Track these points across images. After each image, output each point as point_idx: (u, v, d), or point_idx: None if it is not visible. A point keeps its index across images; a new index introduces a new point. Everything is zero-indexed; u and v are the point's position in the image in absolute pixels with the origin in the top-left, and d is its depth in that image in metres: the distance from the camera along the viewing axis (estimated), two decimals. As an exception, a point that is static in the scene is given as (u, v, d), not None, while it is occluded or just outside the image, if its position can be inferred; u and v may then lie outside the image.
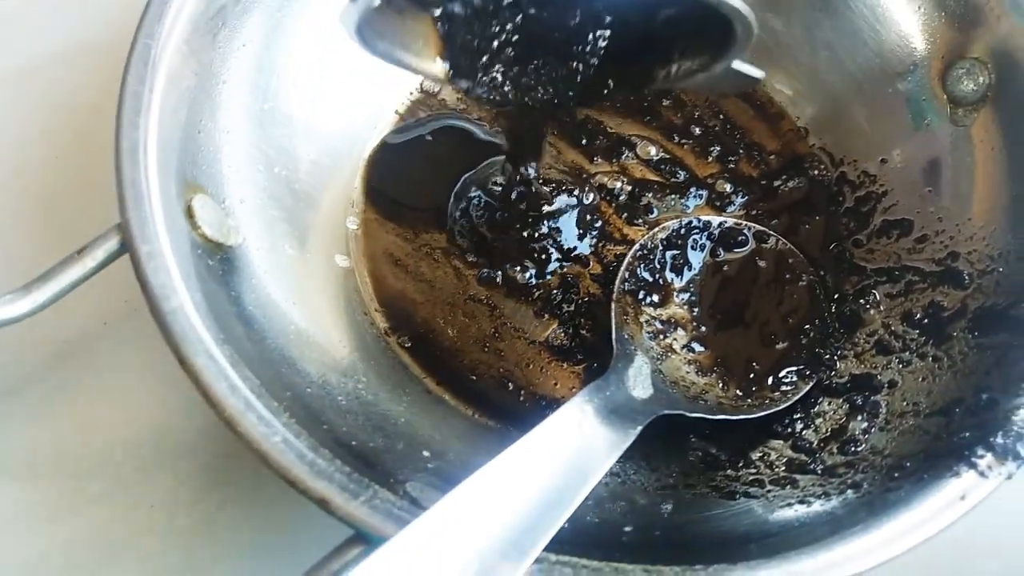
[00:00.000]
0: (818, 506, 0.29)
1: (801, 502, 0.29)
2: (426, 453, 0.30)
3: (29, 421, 0.34)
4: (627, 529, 0.29)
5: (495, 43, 0.28)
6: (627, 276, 0.35)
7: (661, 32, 0.27)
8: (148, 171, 0.27)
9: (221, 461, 0.34)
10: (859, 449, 0.31)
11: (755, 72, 0.27)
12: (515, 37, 0.27)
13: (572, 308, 0.36)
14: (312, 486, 0.23)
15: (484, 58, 0.28)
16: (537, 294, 0.37)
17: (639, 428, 0.29)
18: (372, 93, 0.39)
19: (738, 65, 0.26)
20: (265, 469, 0.24)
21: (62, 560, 0.33)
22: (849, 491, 0.29)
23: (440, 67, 0.28)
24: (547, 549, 0.24)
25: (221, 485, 0.33)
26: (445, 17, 0.27)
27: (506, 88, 0.30)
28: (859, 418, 0.32)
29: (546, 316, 0.36)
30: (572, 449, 0.26)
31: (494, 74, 0.29)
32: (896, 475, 0.28)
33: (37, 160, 0.38)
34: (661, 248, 0.36)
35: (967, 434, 0.27)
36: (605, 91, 0.29)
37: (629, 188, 0.39)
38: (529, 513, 0.24)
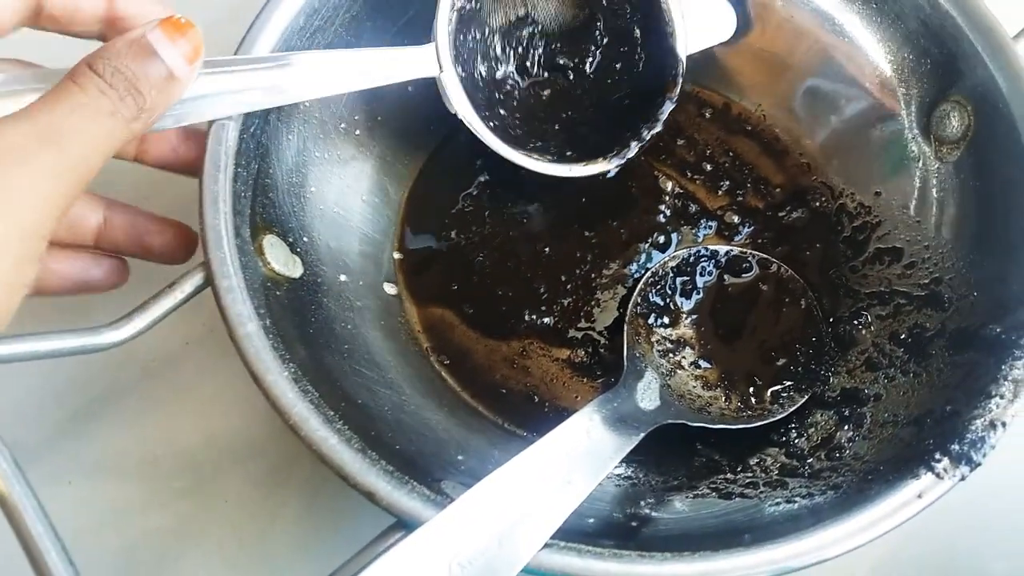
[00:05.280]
0: (802, 504, 0.33)
1: (788, 501, 0.33)
2: (460, 456, 0.35)
3: (123, 428, 0.40)
4: (634, 524, 0.33)
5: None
6: (639, 301, 0.40)
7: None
8: (226, 218, 0.32)
9: (285, 462, 0.39)
10: (843, 455, 0.35)
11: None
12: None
13: (592, 329, 0.41)
14: (362, 481, 0.28)
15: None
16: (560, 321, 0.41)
17: (642, 435, 0.33)
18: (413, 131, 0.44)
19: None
20: (322, 468, 0.29)
21: (151, 547, 0.38)
22: (830, 491, 0.33)
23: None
24: (562, 538, 0.29)
25: (285, 482, 0.38)
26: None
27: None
28: (846, 428, 0.36)
29: (569, 337, 0.41)
30: (580, 451, 0.31)
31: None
32: (870, 477, 0.32)
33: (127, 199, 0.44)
34: (672, 275, 0.41)
35: (931, 442, 0.31)
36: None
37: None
38: (542, 504, 0.28)
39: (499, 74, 0.42)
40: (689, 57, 0.40)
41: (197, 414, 0.40)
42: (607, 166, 0.40)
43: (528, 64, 0.42)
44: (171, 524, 0.38)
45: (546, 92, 0.42)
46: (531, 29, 0.42)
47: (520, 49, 0.42)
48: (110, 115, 0.28)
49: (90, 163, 0.28)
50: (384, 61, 0.35)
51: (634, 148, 0.40)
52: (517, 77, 0.42)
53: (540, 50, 0.42)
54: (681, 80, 0.40)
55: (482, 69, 0.41)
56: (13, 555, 0.27)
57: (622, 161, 0.40)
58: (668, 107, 0.40)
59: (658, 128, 0.41)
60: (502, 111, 0.41)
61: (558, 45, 0.42)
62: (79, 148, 0.28)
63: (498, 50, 0.41)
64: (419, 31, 0.38)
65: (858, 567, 0.39)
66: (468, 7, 0.39)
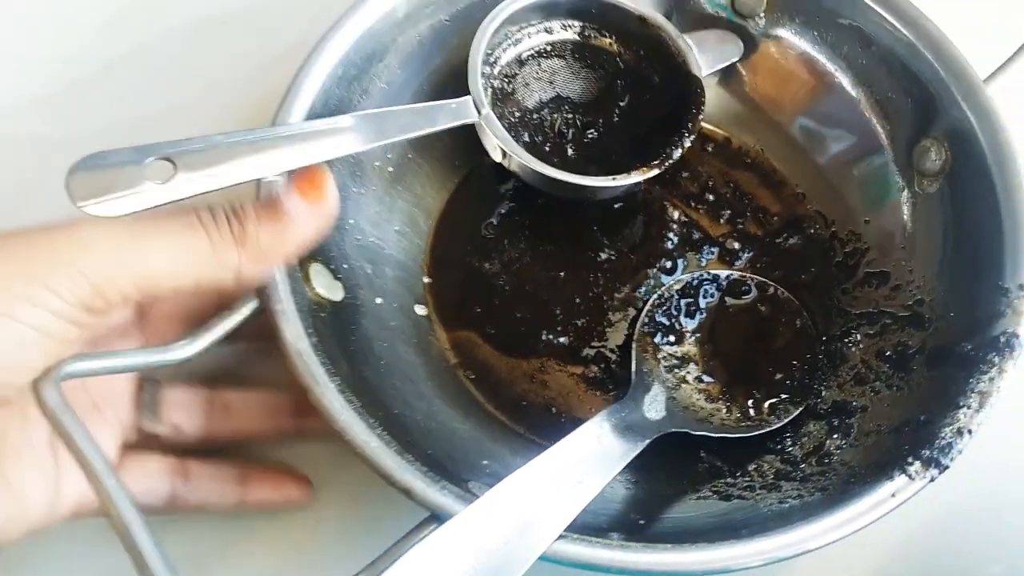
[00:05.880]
0: (793, 504, 0.36)
1: (781, 502, 0.37)
2: (485, 461, 0.39)
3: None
4: (640, 522, 0.37)
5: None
6: (647, 321, 0.43)
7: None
8: (278, 249, 0.37)
9: (327, 465, 0.43)
10: (832, 461, 0.38)
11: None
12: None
13: (605, 347, 0.45)
14: (400, 479, 0.32)
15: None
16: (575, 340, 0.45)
17: (647, 441, 0.37)
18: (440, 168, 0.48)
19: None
20: (363, 468, 0.33)
21: (223, 530, 0.41)
22: (818, 493, 0.36)
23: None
24: (575, 531, 0.32)
25: (335, 482, 0.42)
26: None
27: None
28: (835, 436, 0.39)
29: (583, 354, 0.45)
30: (591, 455, 0.35)
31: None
32: (852, 480, 0.35)
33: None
34: (677, 297, 0.44)
35: (906, 447, 0.35)
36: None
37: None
38: (557, 500, 0.32)
39: (534, 124, 0.46)
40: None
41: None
42: (650, 173, 0.42)
43: (563, 131, 0.46)
44: (235, 514, 0.41)
45: (587, 134, 0.47)
46: (562, 104, 0.47)
47: (554, 119, 0.46)
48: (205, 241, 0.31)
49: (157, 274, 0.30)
50: (426, 114, 0.40)
51: (677, 153, 0.43)
52: (552, 125, 0.47)
53: (571, 116, 0.47)
54: (705, 95, 0.44)
55: (518, 124, 0.45)
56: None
57: (665, 166, 0.43)
58: (700, 114, 0.43)
59: (694, 136, 0.43)
60: (546, 148, 0.45)
61: (589, 111, 0.47)
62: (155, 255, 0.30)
63: (533, 122, 0.46)
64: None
65: (853, 574, 0.42)
66: (502, 88, 0.44)
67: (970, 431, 0.34)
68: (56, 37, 0.53)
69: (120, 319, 0.37)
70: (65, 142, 0.49)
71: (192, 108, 0.51)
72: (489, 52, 0.43)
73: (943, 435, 0.34)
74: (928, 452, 0.34)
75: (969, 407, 0.35)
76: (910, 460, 0.34)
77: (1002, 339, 0.36)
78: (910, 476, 0.33)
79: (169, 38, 0.53)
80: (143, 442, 0.38)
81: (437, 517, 0.32)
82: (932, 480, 0.33)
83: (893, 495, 0.33)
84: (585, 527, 0.33)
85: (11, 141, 0.50)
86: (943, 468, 0.33)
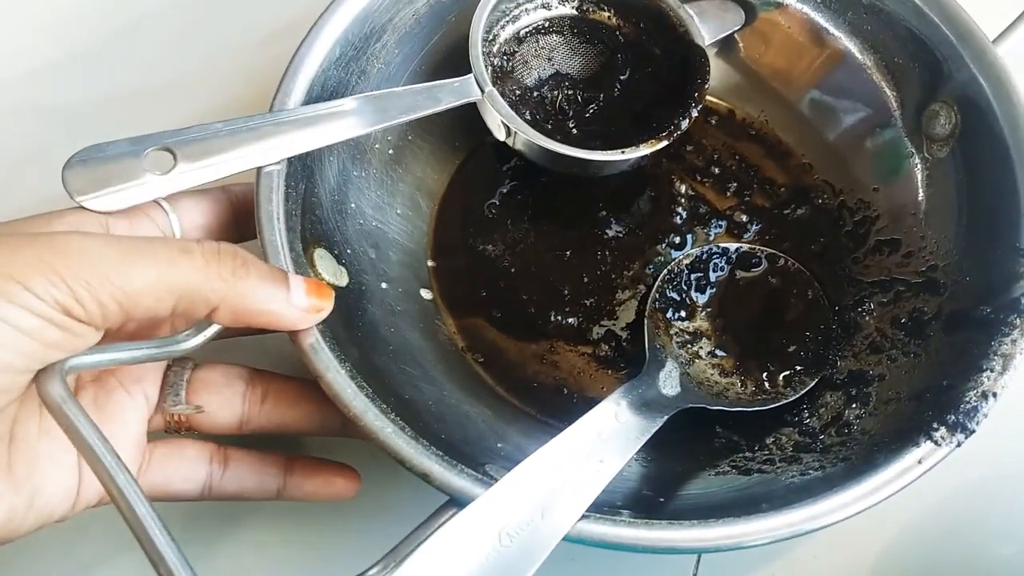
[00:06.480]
0: (815, 475, 0.36)
1: (803, 474, 0.36)
2: (499, 444, 0.38)
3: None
4: (661, 500, 0.36)
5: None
6: (657, 297, 0.43)
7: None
8: (281, 234, 0.35)
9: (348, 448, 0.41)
10: (852, 431, 0.38)
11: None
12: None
13: (615, 326, 0.44)
14: (418, 463, 0.31)
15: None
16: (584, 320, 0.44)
17: (665, 418, 0.36)
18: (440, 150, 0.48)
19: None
20: (377, 454, 0.32)
21: (235, 519, 0.41)
22: (840, 463, 0.36)
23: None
24: (597, 511, 0.32)
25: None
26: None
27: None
28: (854, 406, 0.39)
29: (593, 334, 0.44)
30: (609, 433, 0.34)
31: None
32: (876, 449, 0.35)
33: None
34: (687, 272, 0.44)
35: (930, 414, 0.34)
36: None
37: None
38: (578, 480, 0.32)
39: (535, 101, 0.45)
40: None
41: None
42: (659, 145, 0.41)
43: (564, 107, 0.45)
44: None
45: (589, 109, 0.46)
46: (563, 80, 0.46)
47: (555, 96, 0.46)
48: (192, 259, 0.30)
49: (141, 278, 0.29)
50: (429, 94, 0.39)
51: (685, 124, 0.42)
52: (553, 102, 0.46)
53: (572, 92, 0.46)
54: (709, 64, 0.43)
55: (518, 102, 0.44)
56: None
57: (673, 137, 0.42)
58: (706, 85, 0.42)
59: (700, 106, 0.42)
60: (548, 125, 0.44)
61: (590, 87, 0.46)
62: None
63: (534, 99, 0.45)
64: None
65: (865, 553, 0.42)
66: (501, 66, 0.43)
67: (995, 394, 0.34)
68: (56, 8, 0.53)
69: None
70: (63, 114, 0.49)
71: (191, 83, 0.51)
72: (487, 30, 0.42)
73: (967, 399, 0.34)
74: (953, 417, 0.33)
75: (992, 370, 0.34)
76: (935, 426, 0.33)
77: (1022, 301, 0.35)
78: (936, 442, 0.33)
79: (168, 13, 0.53)
80: (181, 425, 0.37)
81: (457, 501, 0.31)
82: (959, 445, 0.33)
83: (920, 461, 0.32)
84: (605, 506, 0.32)
85: (9, 112, 0.50)
86: (969, 432, 0.33)
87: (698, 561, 0.39)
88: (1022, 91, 0.39)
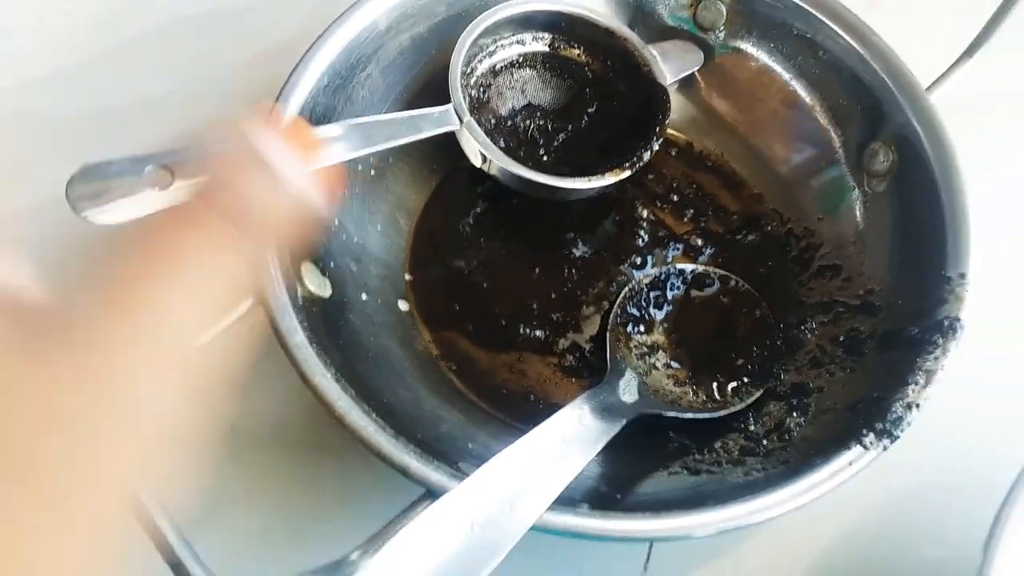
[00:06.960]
0: (757, 476, 0.39)
1: (746, 475, 0.39)
2: (470, 445, 0.41)
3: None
4: (618, 496, 0.40)
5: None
6: (619, 312, 0.46)
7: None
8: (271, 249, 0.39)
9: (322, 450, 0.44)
10: (792, 437, 0.41)
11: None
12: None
13: (580, 339, 0.47)
14: (397, 459, 0.34)
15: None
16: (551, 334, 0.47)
17: (624, 422, 0.39)
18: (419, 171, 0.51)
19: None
20: (361, 450, 0.35)
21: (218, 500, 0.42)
22: (780, 466, 0.39)
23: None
24: (560, 504, 0.35)
25: (328, 468, 0.43)
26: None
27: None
28: (794, 415, 0.42)
29: (559, 346, 0.47)
30: (573, 435, 0.37)
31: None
32: (812, 452, 0.38)
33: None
34: (646, 290, 0.47)
35: (861, 421, 0.38)
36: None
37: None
38: (543, 476, 0.35)
39: (508, 130, 0.49)
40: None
41: (255, 406, 0.44)
42: (623, 174, 0.45)
43: (536, 136, 0.49)
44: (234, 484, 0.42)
45: (558, 139, 0.49)
46: (535, 111, 0.50)
47: (527, 126, 0.49)
48: None
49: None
50: (411, 122, 0.42)
51: (647, 156, 0.46)
52: (526, 131, 0.49)
53: (543, 122, 0.49)
54: (670, 101, 0.47)
55: (493, 131, 0.48)
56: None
57: (636, 168, 0.46)
58: (667, 120, 0.47)
59: (661, 139, 0.46)
60: (521, 153, 0.48)
61: (560, 118, 0.50)
62: None
63: (508, 128, 0.49)
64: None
65: (804, 553, 0.44)
66: (478, 97, 0.47)
67: (918, 405, 0.37)
68: (47, 26, 0.55)
69: None
70: (61, 123, 0.51)
71: (183, 102, 0.53)
72: (466, 63, 0.46)
73: (894, 409, 0.37)
74: (881, 425, 0.37)
75: (917, 383, 0.38)
76: (865, 432, 0.37)
77: (946, 323, 0.39)
78: (865, 447, 0.36)
79: (162, 33, 0.55)
80: None
81: (432, 494, 0.34)
82: (885, 449, 0.36)
83: (850, 464, 0.36)
84: (568, 501, 0.35)
85: (8, 120, 0.52)
86: (895, 438, 0.37)
87: (649, 553, 0.42)
88: (951, 134, 0.44)
